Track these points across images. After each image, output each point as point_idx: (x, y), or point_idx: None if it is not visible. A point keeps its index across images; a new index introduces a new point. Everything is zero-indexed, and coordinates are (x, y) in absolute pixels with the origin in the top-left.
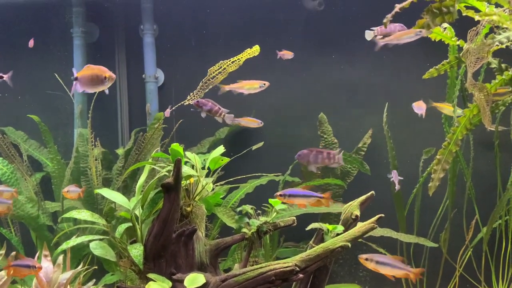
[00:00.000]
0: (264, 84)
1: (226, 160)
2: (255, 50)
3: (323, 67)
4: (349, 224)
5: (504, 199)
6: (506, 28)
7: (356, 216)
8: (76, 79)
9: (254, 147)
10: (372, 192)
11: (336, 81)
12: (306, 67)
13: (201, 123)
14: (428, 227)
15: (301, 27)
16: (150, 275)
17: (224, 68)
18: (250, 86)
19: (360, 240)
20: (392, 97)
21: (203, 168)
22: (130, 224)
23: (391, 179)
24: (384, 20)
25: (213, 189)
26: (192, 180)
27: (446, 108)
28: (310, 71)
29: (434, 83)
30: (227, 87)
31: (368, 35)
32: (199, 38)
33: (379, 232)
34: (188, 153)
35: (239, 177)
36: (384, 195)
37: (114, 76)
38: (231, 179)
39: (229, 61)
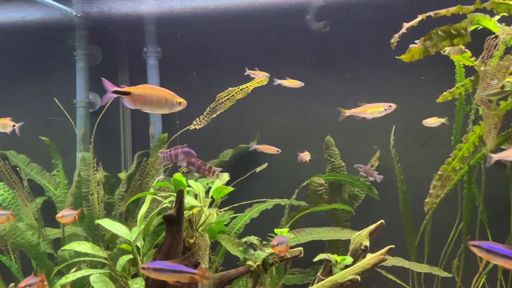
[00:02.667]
0: (390, 106)
1: (230, 189)
2: (263, 79)
3: (330, 89)
4: (358, 255)
5: None
6: None
7: (366, 246)
8: (128, 94)
9: (258, 169)
10: (382, 221)
11: (343, 103)
12: (312, 88)
13: (205, 145)
14: (439, 253)
15: (306, 49)
16: None
17: (233, 95)
18: (374, 110)
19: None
20: (400, 119)
21: (206, 195)
22: (132, 256)
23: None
24: (392, 40)
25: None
26: (195, 210)
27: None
28: (316, 92)
29: (443, 104)
30: (348, 112)
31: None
32: (203, 61)
33: (391, 262)
34: (191, 182)
35: (243, 202)
36: (394, 221)
37: (185, 103)
38: (236, 205)
39: (238, 88)
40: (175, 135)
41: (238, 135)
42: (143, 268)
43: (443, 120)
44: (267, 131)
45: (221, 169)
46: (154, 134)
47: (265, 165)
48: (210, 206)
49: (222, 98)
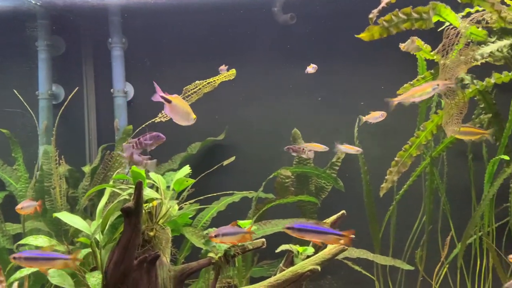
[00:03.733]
0: (438, 85)
1: (192, 181)
2: (231, 73)
3: (296, 81)
4: (319, 245)
5: (477, 214)
6: (483, 43)
7: None
8: (168, 101)
9: (225, 162)
10: (343, 211)
11: (310, 95)
12: (279, 81)
13: (172, 138)
14: (404, 243)
15: (273, 41)
16: None
17: (200, 88)
18: (422, 92)
19: (338, 259)
20: (366, 112)
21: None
22: (91, 250)
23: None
24: (370, 16)
25: (181, 208)
26: (155, 203)
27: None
28: (283, 85)
29: None
30: (396, 100)
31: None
32: (170, 53)
33: (355, 253)
34: (152, 174)
35: (210, 195)
36: (360, 212)
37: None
38: (201, 198)
39: (205, 81)
40: (140, 127)
41: (206, 128)
42: (14, 258)
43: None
44: (235, 124)
45: (155, 161)
46: (119, 127)
47: (232, 159)
48: (177, 199)
49: (188, 91)
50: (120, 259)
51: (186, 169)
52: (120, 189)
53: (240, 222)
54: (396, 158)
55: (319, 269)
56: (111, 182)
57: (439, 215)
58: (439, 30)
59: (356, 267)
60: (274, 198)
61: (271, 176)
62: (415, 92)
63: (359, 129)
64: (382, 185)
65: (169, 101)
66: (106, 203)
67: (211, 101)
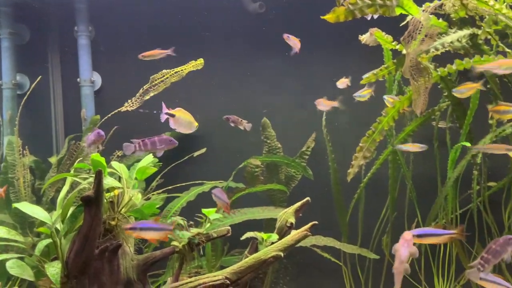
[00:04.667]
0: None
1: (154, 169)
2: (199, 63)
3: (266, 70)
4: (284, 232)
5: (440, 200)
6: (444, 33)
7: (291, 223)
8: (172, 116)
9: (196, 154)
10: (308, 198)
11: (280, 84)
12: (248, 70)
13: (140, 129)
14: (372, 230)
15: (243, 30)
16: None
17: (167, 78)
18: (508, 65)
19: (307, 246)
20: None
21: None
22: (50, 240)
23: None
24: None
25: (148, 198)
26: (116, 192)
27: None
28: (252, 74)
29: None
30: (480, 68)
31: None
32: (138, 41)
33: (322, 241)
34: (114, 163)
35: (179, 184)
36: (328, 200)
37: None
38: (170, 187)
39: (172, 71)
40: (106, 116)
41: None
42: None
43: (335, 103)
44: (204, 113)
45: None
46: (86, 117)
47: (203, 150)
48: (146, 190)
49: (155, 80)
50: (80, 248)
51: (149, 158)
52: (82, 178)
53: (205, 210)
54: (360, 144)
55: (282, 255)
56: (72, 171)
57: (406, 202)
58: (401, 25)
59: (326, 255)
60: (244, 187)
61: (241, 166)
62: (502, 64)
63: (327, 118)
64: (349, 171)
65: (173, 116)
66: (67, 192)
67: (181, 91)
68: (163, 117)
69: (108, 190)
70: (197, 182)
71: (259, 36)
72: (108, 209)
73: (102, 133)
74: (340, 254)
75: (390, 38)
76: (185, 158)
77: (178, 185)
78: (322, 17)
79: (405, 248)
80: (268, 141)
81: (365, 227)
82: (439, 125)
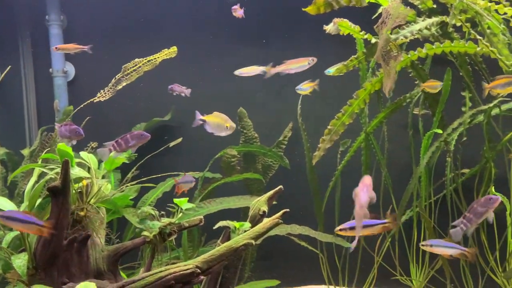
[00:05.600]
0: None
1: (122, 159)
2: (172, 51)
3: (241, 60)
4: (256, 220)
5: (412, 185)
6: (413, 22)
7: (264, 212)
8: (204, 121)
9: (171, 144)
10: (281, 186)
11: (256, 74)
12: (224, 60)
13: (115, 119)
14: (348, 218)
15: (218, 20)
16: (36, 286)
17: (140, 66)
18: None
19: (284, 234)
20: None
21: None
22: (18, 232)
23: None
24: None
25: (122, 190)
26: (84, 182)
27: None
28: (228, 64)
29: (348, 75)
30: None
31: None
32: (112, 31)
33: (297, 230)
34: (82, 153)
35: (155, 176)
36: (305, 189)
37: (234, 125)
38: (145, 178)
39: (145, 59)
40: (79, 107)
41: (152, 108)
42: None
43: (315, 85)
44: (180, 103)
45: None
46: (59, 108)
47: (179, 140)
48: (121, 181)
49: (128, 69)
50: (48, 239)
51: None
52: (49, 169)
53: (176, 200)
54: (329, 127)
55: (253, 243)
56: (39, 162)
57: (381, 190)
58: (373, 17)
59: (303, 243)
60: (220, 177)
61: (217, 156)
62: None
63: (302, 107)
64: (314, 154)
65: (204, 121)
66: (34, 183)
67: (157, 80)
68: (197, 123)
69: (77, 181)
70: (173, 173)
71: (235, 24)
72: (76, 200)
73: (81, 132)
74: (317, 242)
75: (357, 28)
76: (161, 149)
77: (154, 176)
78: (303, 9)
79: (364, 192)
80: (245, 131)
81: (341, 215)
82: (413, 112)
